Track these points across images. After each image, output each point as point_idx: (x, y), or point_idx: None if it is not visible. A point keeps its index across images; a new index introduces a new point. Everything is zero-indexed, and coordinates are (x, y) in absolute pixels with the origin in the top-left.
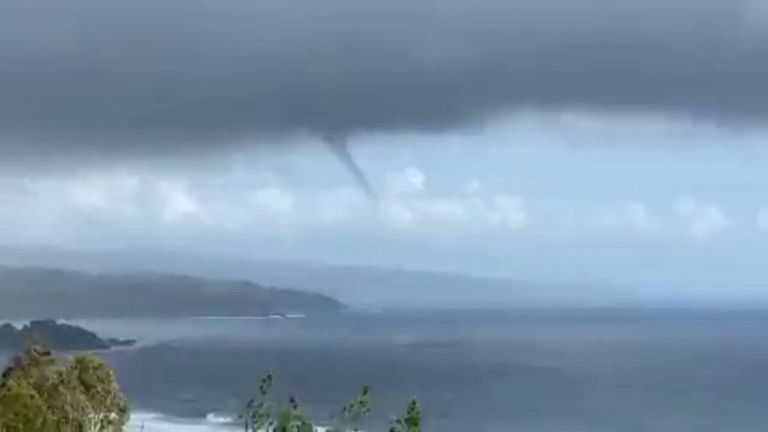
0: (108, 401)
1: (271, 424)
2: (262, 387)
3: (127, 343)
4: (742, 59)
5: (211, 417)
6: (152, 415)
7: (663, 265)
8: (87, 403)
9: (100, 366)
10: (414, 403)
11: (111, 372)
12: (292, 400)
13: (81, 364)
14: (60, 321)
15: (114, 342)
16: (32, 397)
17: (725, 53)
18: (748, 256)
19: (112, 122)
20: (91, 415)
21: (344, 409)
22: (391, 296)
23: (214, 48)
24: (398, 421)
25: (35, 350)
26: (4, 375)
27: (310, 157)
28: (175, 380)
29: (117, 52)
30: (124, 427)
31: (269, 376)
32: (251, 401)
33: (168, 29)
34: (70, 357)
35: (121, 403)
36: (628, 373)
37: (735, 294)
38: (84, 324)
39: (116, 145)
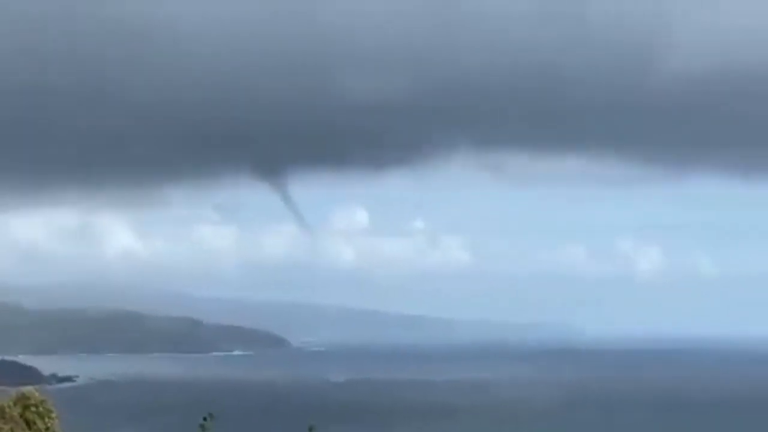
0: None
1: None
2: (202, 426)
3: (69, 379)
4: (677, 100)
5: None
6: None
7: (603, 305)
8: None
9: (42, 402)
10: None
11: (53, 408)
12: None
13: (22, 401)
14: (0, 357)
15: (55, 378)
16: None
17: (661, 92)
18: (688, 297)
19: (50, 157)
20: None
21: None
22: (334, 333)
23: (150, 84)
24: None
25: None
26: None
27: (251, 194)
28: (116, 418)
29: (55, 84)
30: None
31: (210, 414)
32: None
33: (106, 61)
34: (12, 392)
35: None
36: (553, 410)
37: (674, 333)
38: (22, 359)
39: (55, 180)
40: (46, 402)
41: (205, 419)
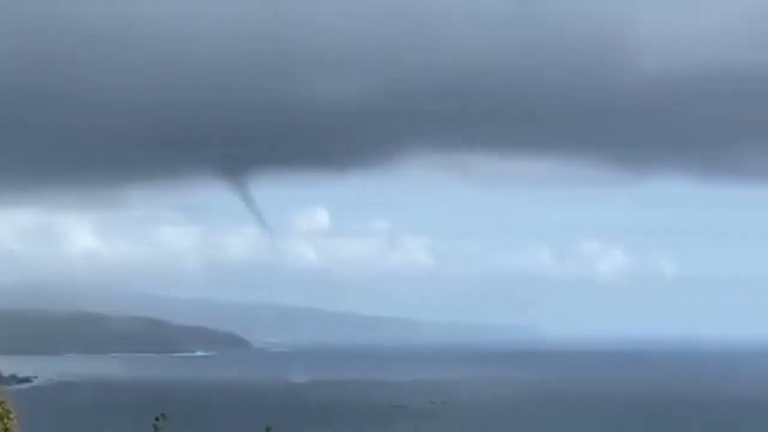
0: None
1: None
2: (155, 426)
3: (27, 380)
4: (641, 101)
5: None
6: None
7: (565, 306)
8: None
9: (0, 403)
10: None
11: (11, 409)
12: None
13: None
14: None
15: (14, 379)
16: None
17: (625, 94)
18: (650, 298)
19: (9, 157)
20: None
21: None
22: (296, 334)
23: (113, 85)
24: None
25: None
26: None
27: (213, 194)
28: (75, 419)
29: (13, 84)
30: None
31: (163, 414)
32: None
33: (66, 60)
34: None
35: None
36: (512, 411)
37: (637, 335)
38: None
39: (13, 180)
40: (5, 403)
41: (157, 419)
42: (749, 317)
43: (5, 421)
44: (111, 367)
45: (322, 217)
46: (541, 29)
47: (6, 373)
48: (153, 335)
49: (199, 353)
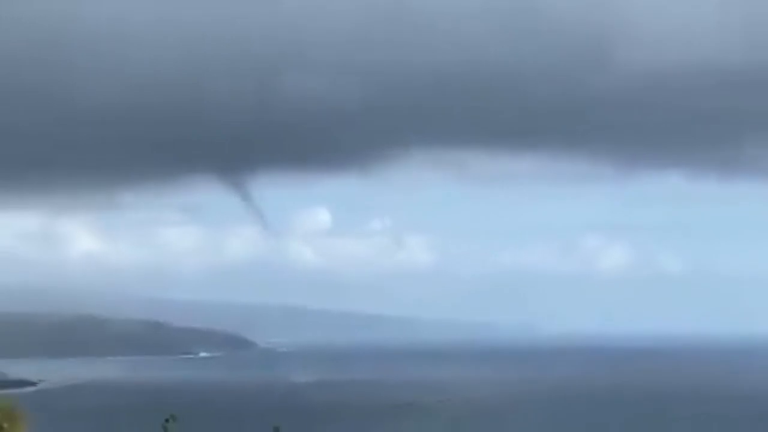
0: None
1: None
2: (164, 428)
3: (31, 383)
4: (637, 95)
5: None
6: None
7: (566, 303)
8: None
9: (8, 406)
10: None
11: (19, 413)
12: None
13: None
14: None
15: (22, 382)
16: None
17: (618, 88)
18: (651, 295)
19: (8, 160)
20: None
21: None
22: (298, 334)
23: (110, 87)
24: None
25: None
26: None
27: (212, 196)
28: (80, 422)
29: (10, 86)
30: None
31: (172, 416)
32: None
33: (60, 59)
34: None
35: None
36: (511, 408)
37: (638, 332)
38: None
39: (13, 183)
40: (13, 406)
41: (167, 421)
42: (753, 314)
43: (14, 424)
44: (115, 369)
45: (322, 216)
46: (536, 22)
47: (13, 376)
48: (156, 337)
49: (203, 354)
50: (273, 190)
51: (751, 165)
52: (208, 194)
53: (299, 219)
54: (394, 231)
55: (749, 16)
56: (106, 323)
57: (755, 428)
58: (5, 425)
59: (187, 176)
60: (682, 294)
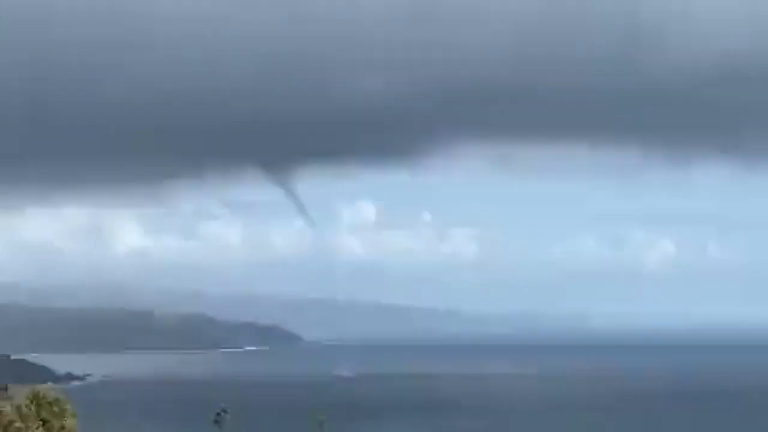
0: None
1: None
2: (216, 420)
3: (82, 377)
4: (693, 87)
5: None
6: None
7: (614, 296)
8: None
9: (56, 400)
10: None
11: (68, 407)
12: None
13: (37, 399)
14: (14, 356)
15: (69, 376)
16: None
17: (673, 80)
18: (698, 287)
19: (56, 156)
20: None
21: None
22: (344, 328)
23: (155, 80)
24: None
25: None
26: None
27: (258, 190)
28: (130, 416)
29: (58, 83)
30: None
31: (224, 410)
32: None
33: (108, 59)
34: (27, 391)
35: None
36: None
37: (685, 325)
38: (35, 358)
39: (62, 178)
40: (61, 400)
41: (218, 414)
42: None
43: (63, 418)
44: (163, 363)
45: (367, 210)
46: (579, 16)
47: (60, 371)
48: (202, 331)
49: (249, 348)
50: (319, 184)
51: None
52: (256, 188)
53: (345, 212)
54: (441, 224)
55: None
56: (153, 317)
57: None
58: (51, 420)
59: (234, 171)
60: (734, 286)
